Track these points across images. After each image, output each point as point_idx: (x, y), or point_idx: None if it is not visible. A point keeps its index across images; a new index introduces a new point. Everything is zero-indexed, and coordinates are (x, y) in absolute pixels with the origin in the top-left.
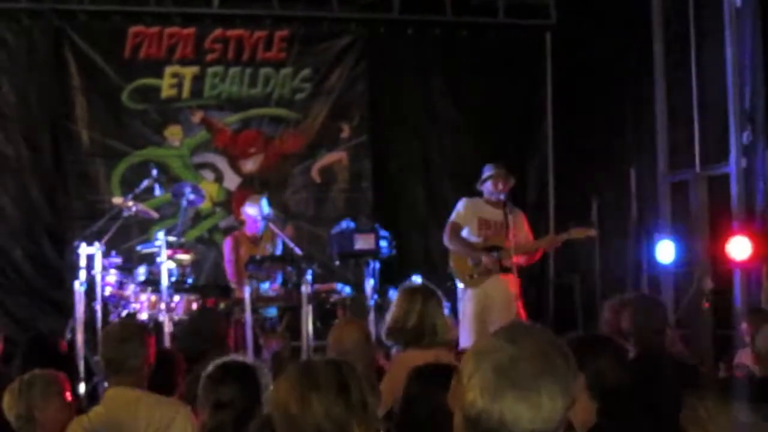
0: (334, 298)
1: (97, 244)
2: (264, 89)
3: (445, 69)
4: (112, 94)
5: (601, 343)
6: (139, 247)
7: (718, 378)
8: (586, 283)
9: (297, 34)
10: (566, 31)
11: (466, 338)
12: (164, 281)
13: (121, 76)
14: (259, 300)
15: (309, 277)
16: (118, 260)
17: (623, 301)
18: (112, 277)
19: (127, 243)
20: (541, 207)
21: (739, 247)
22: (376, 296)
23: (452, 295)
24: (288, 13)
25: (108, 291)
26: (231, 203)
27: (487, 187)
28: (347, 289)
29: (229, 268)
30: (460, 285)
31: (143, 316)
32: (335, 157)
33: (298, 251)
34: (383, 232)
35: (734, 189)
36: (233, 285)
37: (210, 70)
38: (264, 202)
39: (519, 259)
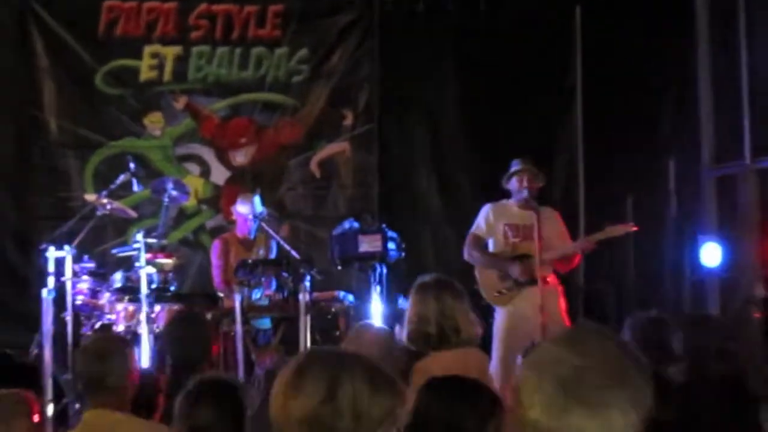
0: (335, 307)
1: (67, 247)
2: (256, 72)
3: (461, 49)
4: (84, 78)
5: None
6: (114, 251)
7: None
8: (619, 290)
9: (293, 9)
10: (598, 3)
11: (496, 364)
12: (143, 289)
13: (94, 57)
14: (250, 310)
15: (307, 283)
16: (91, 265)
17: (653, 319)
18: (85, 284)
19: (101, 246)
20: (569, 206)
21: None
22: (383, 305)
23: (489, 314)
24: None
25: (80, 300)
26: (219, 200)
27: (513, 185)
28: (350, 298)
29: (216, 274)
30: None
31: (119, 327)
32: (337, 148)
33: (295, 254)
34: (391, 233)
35: None
36: (221, 293)
37: (195, 49)
38: (257, 199)
39: (558, 266)
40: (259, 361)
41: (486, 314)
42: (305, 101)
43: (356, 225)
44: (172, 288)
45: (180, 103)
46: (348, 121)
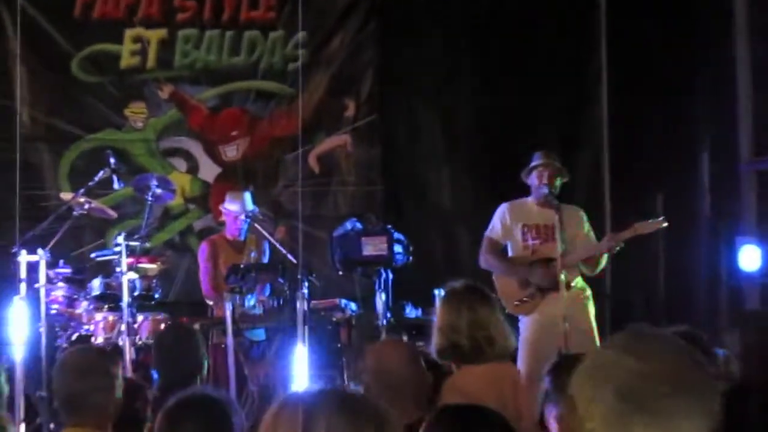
0: (336, 316)
1: (40, 250)
2: (249, 57)
3: (474, 33)
4: (59, 64)
5: None
6: (93, 255)
7: None
8: (648, 298)
9: None
10: None
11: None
12: (125, 297)
13: (69, 42)
14: (243, 320)
15: (305, 290)
16: (66, 271)
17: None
18: (60, 291)
19: (78, 249)
20: (594, 204)
21: None
22: (388, 314)
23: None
24: None
25: (54, 309)
26: (208, 199)
27: (533, 180)
28: (353, 306)
29: (204, 280)
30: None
31: (98, 339)
32: (337, 141)
33: (291, 258)
34: (397, 235)
35: None
36: (210, 301)
37: (181, 33)
38: (247, 196)
39: (585, 268)
40: (252, 376)
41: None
42: (302, 90)
43: (359, 226)
44: (157, 296)
45: (165, 92)
46: (349, 112)
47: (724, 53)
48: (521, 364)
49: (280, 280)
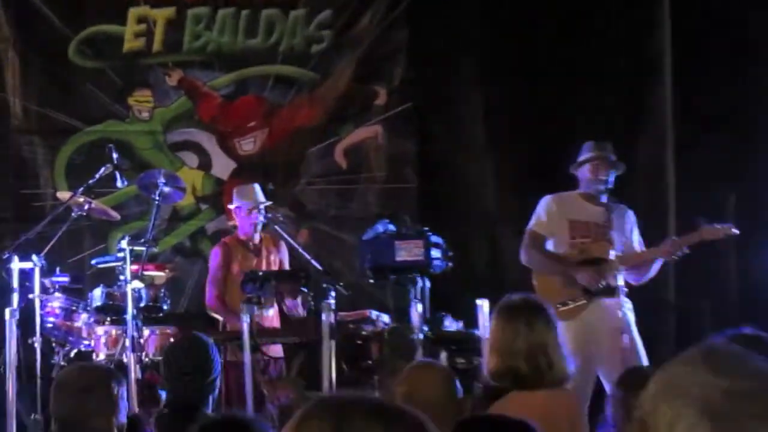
0: (366, 330)
1: (35, 256)
2: (267, 39)
3: (519, 9)
4: (55, 48)
5: None
6: (94, 261)
7: None
8: (719, 308)
9: None
10: None
11: None
12: (129, 308)
13: (67, 23)
14: (261, 334)
15: (331, 300)
16: (64, 279)
17: (748, 338)
18: (57, 302)
19: (77, 255)
20: (655, 203)
21: None
22: (425, 328)
23: None
24: None
25: (51, 322)
26: (222, 198)
27: (584, 174)
28: (385, 318)
29: (210, 289)
30: None
31: (100, 356)
32: (367, 133)
33: (316, 264)
34: (435, 238)
35: None
36: (213, 313)
37: (191, 12)
38: (257, 187)
39: (631, 276)
40: (271, 396)
41: None
42: (327, 75)
43: (391, 228)
44: (165, 307)
45: (173, 78)
46: (380, 100)
47: None
48: None
49: (304, 290)
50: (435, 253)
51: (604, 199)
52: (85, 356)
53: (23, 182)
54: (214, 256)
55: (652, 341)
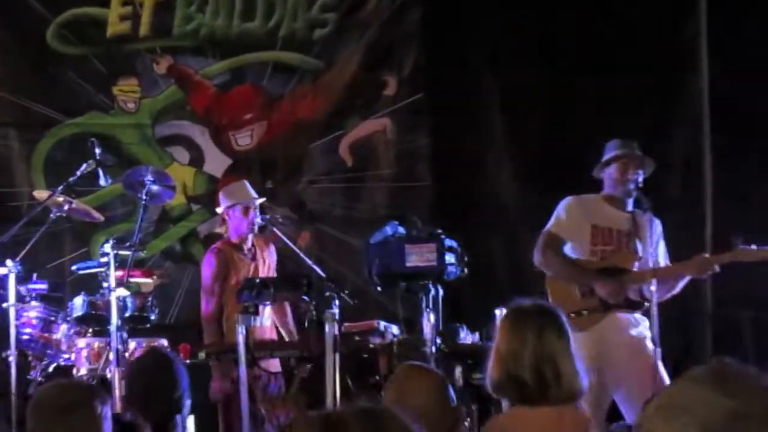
0: (374, 342)
1: (9, 262)
2: (265, 23)
3: None
4: (32, 32)
5: None
6: (74, 267)
7: None
8: (760, 319)
9: None
10: None
11: None
12: (113, 318)
13: (45, 4)
14: (259, 347)
15: (335, 310)
16: (42, 286)
17: None
18: (34, 312)
19: (56, 260)
20: (690, 205)
21: None
22: (438, 340)
23: None
24: None
25: (27, 334)
26: (215, 198)
27: (610, 175)
28: (394, 329)
29: (206, 301)
30: None
31: (81, 371)
32: (375, 126)
33: (318, 271)
34: (449, 242)
35: None
36: (207, 325)
37: None
38: (247, 184)
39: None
40: (269, 415)
41: None
42: (331, 62)
43: (401, 231)
44: (153, 317)
45: (162, 65)
46: (389, 90)
47: None
48: None
49: (305, 298)
50: (449, 258)
51: (630, 205)
52: (65, 371)
53: None
54: (208, 264)
55: (686, 356)
